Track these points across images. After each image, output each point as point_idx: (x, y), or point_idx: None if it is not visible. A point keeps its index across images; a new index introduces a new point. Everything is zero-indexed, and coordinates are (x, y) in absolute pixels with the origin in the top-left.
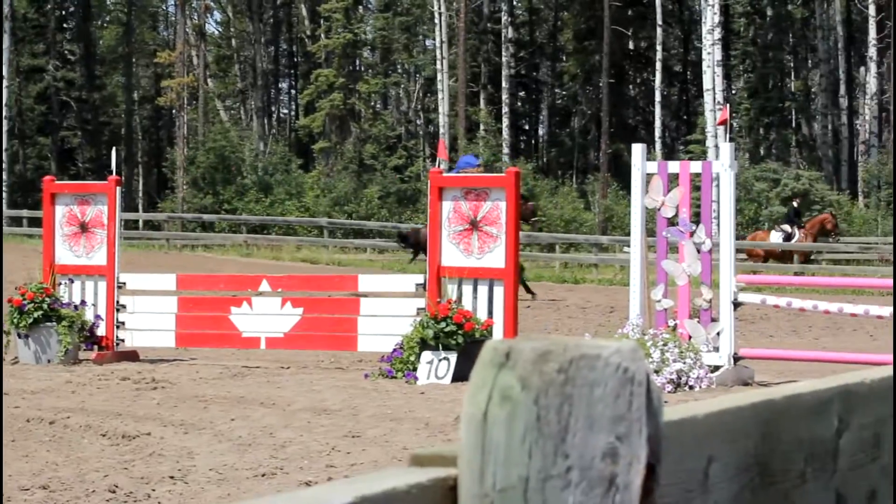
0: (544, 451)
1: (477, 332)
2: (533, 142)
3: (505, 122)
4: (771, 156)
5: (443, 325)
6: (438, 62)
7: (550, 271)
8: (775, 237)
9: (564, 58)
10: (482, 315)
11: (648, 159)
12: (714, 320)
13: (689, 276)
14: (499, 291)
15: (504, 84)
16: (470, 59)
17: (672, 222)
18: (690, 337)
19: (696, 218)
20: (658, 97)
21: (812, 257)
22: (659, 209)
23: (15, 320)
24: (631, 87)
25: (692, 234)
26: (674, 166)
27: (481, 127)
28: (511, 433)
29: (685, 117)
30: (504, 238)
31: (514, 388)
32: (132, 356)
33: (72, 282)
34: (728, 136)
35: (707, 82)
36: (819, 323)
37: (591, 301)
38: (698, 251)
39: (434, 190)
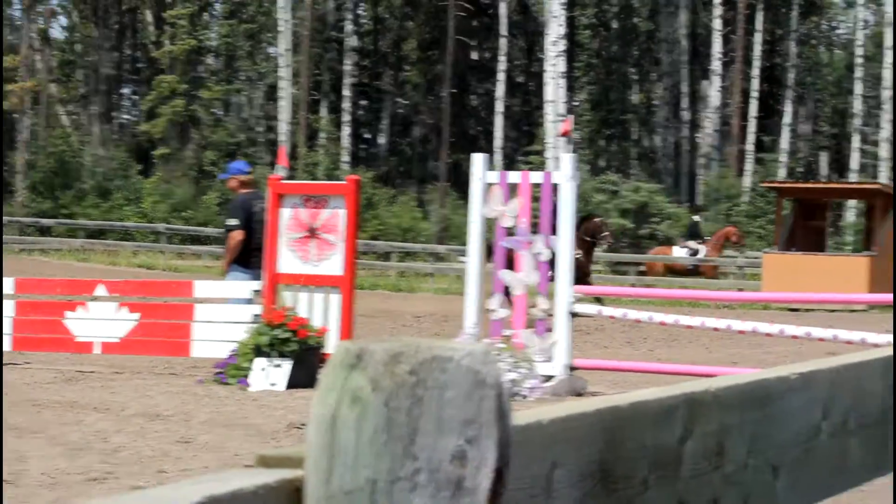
0: (393, 453)
1: (311, 339)
2: (373, 150)
3: (346, 130)
4: (611, 168)
5: (277, 331)
6: (281, 70)
7: (386, 280)
8: (678, 254)
9: (407, 67)
10: (318, 322)
11: (489, 170)
12: (549, 330)
13: (525, 287)
14: (335, 299)
15: (346, 92)
16: (313, 67)
17: (511, 232)
18: (525, 347)
19: (535, 228)
20: (500, 108)
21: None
22: (498, 219)
23: None
24: (473, 97)
25: (530, 244)
26: (514, 176)
27: (322, 135)
28: (360, 435)
29: (526, 128)
30: (342, 246)
31: (364, 389)
32: None
33: None
34: (569, 147)
35: (549, 94)
36: (655, 335)
37: (426, 310)
38: (536, 261)
39: (273, 196)
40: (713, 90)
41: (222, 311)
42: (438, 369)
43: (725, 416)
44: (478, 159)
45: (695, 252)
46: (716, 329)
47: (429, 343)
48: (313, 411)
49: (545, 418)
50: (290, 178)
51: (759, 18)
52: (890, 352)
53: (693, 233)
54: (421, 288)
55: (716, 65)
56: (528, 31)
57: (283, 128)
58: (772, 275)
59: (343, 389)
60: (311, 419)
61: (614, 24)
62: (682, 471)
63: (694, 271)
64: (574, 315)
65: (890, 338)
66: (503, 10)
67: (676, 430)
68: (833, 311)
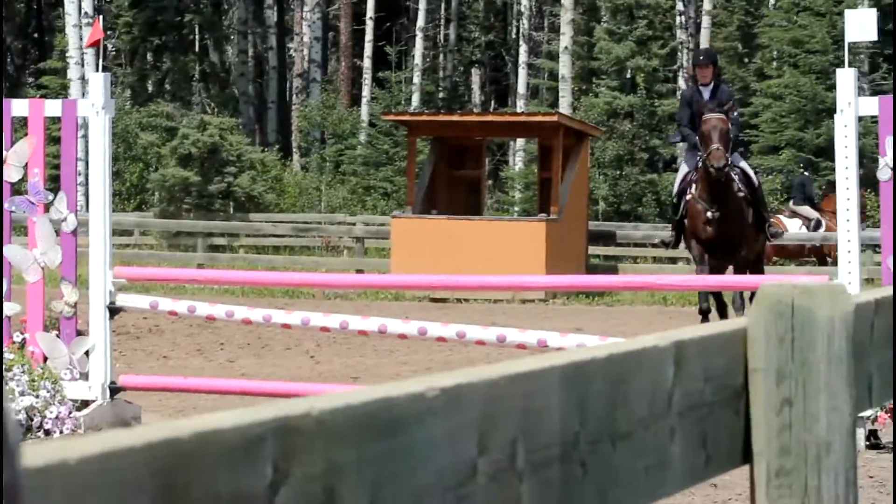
0: None
1: None
2: None
3: None
4: (164, 94)
5: None
6: None
7: None
8: (793, 226)
9: None
10: None
11: None
12: (81, 334)
13: (43, 269)
14: None
15: None
16: None
17: (18, 190)
18: (46, 358)
19: (55, 183)
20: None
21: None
22: None
23: None
24: None
25: (48, 206)
26: (20, 107)
27: None
28: None
29: (36, 36)
30: None
31: None
32: None
33: None
34: (101, 63)
35: None
36: (237, 338)
37: None
38: (58, 232)
39: None
40: None
41: None
42: None
43: (336, 451)
44: None
45: (817, 223)
46: (325, 329)
47: None
48: None
49: (72, 457)
50: None
51: None
52: (578, 356)
53: (807, 193)
54: None
55: None
56: None
57: None
58: (404, 249)
59: None
60: None
61: None
62: None
63: (801, 252)
64: (116, 310)
65: (580, 338)
66: None
67: (265, 473)
68: (497, 300)
